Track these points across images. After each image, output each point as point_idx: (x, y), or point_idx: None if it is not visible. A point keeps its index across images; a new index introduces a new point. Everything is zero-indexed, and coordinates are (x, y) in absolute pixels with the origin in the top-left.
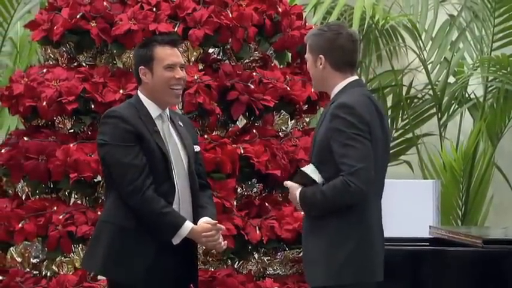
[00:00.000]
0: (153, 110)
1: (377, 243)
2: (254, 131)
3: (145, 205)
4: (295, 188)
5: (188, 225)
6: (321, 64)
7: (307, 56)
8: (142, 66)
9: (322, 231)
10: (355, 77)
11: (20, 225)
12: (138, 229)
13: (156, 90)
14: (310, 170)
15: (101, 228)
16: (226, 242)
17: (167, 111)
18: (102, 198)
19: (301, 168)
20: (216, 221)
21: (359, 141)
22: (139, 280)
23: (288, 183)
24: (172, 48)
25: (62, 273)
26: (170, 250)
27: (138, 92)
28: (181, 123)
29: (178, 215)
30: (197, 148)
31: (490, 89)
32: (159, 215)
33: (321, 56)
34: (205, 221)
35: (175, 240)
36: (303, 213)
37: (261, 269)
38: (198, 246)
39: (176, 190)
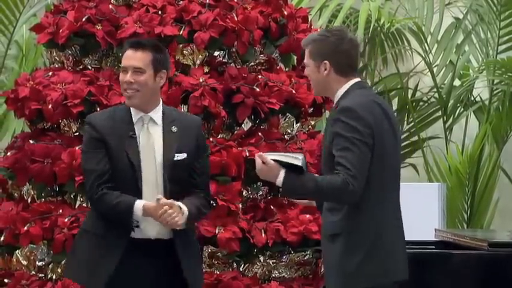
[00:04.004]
0: (134, 113)
1: (391, 246)
2: (259, 134)
3: (102, 204)
4: (276, 168)
5: (139, 203)
6: (325, 70)
7: (308, 61)
8: None
9: (336, 239)
10: (357, 79)
11: (25, 228)
12: (105, 234)
13: None
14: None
15: (77, 235)
16: (181, 216)
17: (151, 114)
18: None
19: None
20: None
21: (358, 146)
22: (102, 285)
23: (266, 158)
24: (134, 51)
25: None
26: (140, 255)
27: None
28: (175, 129)
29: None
30: (180, 156)
31: (495, 92)
32: (114, 206)
33: (325, 61)
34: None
35: (138, 222)
36: (308, 216)
37: (266, 272)
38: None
39: (142, 198)
